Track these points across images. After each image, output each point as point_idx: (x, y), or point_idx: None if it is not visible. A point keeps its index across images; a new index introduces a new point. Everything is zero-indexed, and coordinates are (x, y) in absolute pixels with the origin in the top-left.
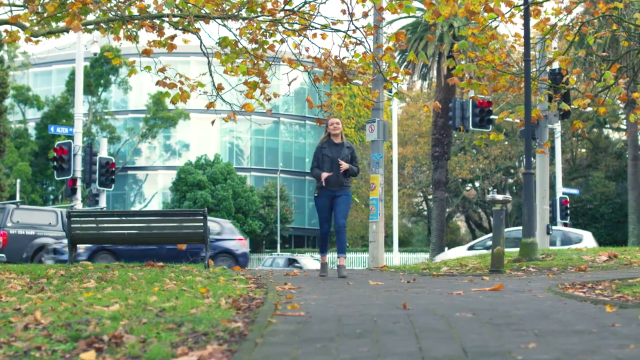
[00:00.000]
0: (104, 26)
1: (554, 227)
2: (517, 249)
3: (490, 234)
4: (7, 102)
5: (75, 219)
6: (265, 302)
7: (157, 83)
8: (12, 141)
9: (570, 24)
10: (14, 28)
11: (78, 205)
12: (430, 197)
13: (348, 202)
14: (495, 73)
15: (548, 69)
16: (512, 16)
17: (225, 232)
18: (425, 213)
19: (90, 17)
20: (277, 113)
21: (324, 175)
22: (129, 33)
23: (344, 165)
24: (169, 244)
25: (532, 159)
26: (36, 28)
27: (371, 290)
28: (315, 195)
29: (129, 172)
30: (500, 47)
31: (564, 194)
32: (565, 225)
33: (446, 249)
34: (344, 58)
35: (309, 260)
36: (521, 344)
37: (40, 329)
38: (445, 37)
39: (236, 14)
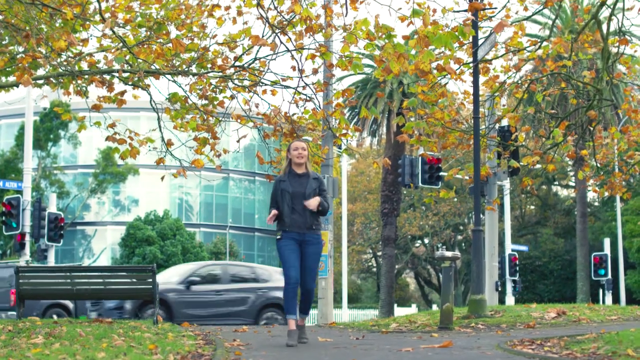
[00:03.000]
0: (54, 81)
1: None
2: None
3: None
4: None
5: (23, 274)
6: (213, 359)
7: (107, 138)
8: None
9: (519, 82)
10: None
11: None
12: (379, 253)
13: (318, 253)
14: (445, 130)
15: (497, 126)
16: (462, 73)
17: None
18: (375, 269)
19: (40, 71)
20: (227, 169)
21: (270, 215)
22: (78, 88)
23: (312, 204)
24: (118, 299)
25: (481, 216)
26: None
27: (320, 347)
28: (278, 238)
29: (78, 227)
30: (449, 104)
31: (513, 250)
32: (514, 282)
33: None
34: (293, 114)
35: None
36: None
37: None
38: (394, 94)
39: (186, 69)
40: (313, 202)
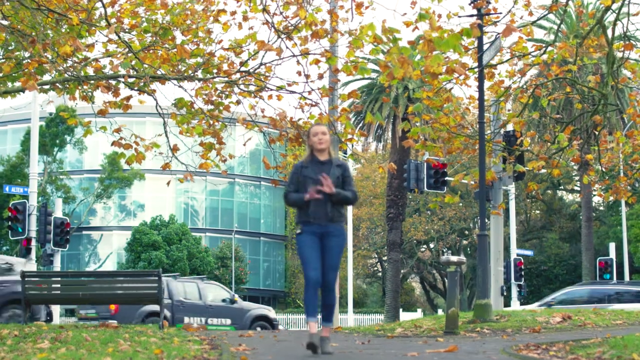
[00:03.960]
0: (60, 86)
1: None
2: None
3: None
4: None
5: (29, 279)
6: None
7: (113, 143)
8: None
9: (524, 87)
10: None
11: (32, 266)
12: (384, 258)
13: (341, 246)
14: (450, 135)
15: (502, 131)
16: (467, 78)
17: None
18: (380, 274)
19: (46, 77)
20: (232, 174)
21: (311, 193)
22: (84, 93)
23: (326, 186)
24: (124, 304)
25: (487, 221)
26: None
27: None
28: (298, 232)
29: (84, 232)
30: (454, 109)
31: (518, 255)
32: (519, 286)
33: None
34: (299, 119)
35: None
36: None
37: None
38: (400, 99)
39: (192, 75)
40: (327, 185)
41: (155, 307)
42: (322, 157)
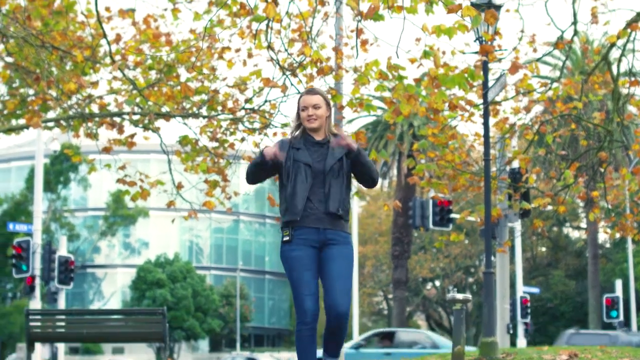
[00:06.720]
0: (64, 123)
1: None
2: None
3: None
4: None
5: (33, 317)
6: None
7: (117, 181)
8: None
9: (530, 123)
10: None
11: (37, 304)
12: (390, 296)
13: (349, 257)
14: (455, 172)
15: (508, 168)
16: (472, 115)
17: None
18: (386, 312)
19: (51, 114)
20: (237, 212)
21: (269, 151)
22: (89, 131)
23: (344, 142)
24: (128, 342)
25: (493, 258)
26: None
27: None
28: (285, 239)
29: (88, 270)
30: (460, 146)
31: (524, 292)
32: (525, 324)
33: None
34: None
35: (268, 359)
36: None
37: None
38: (405, 136)
39: (197, 112)
40: (344, 141)
41: None
42: (318, 137)
